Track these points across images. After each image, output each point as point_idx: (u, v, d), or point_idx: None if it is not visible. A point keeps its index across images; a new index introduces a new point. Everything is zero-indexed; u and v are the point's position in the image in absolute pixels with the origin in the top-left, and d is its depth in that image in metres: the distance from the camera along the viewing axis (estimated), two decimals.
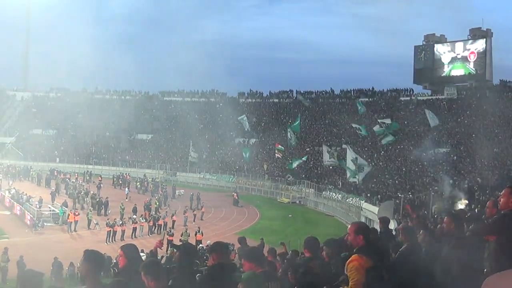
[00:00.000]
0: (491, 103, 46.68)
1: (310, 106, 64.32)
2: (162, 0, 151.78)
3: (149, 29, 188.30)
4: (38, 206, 33.83)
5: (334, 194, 42.37)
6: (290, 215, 39.43)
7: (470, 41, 57.78)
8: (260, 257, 5.34)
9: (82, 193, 40.05)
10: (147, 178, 50.38)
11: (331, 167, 46.75)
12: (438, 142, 44.50)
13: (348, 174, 39.95)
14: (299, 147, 54.99)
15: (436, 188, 32.41)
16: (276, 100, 68.49)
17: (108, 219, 31.18)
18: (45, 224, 32.15)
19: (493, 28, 57.60)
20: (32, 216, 32.17)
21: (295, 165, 47.29)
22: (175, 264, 6.02)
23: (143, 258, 8.06)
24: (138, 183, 47.87)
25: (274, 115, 65.49)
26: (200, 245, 25.15)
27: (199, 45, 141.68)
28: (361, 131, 48.20)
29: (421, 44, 61.73)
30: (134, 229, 31.11)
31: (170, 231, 29.22)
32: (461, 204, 21.27)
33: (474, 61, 56.96)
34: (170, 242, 19.92)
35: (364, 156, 43.53)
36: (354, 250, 4.53)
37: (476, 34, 57.42)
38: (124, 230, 30.28)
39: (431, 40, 60.89)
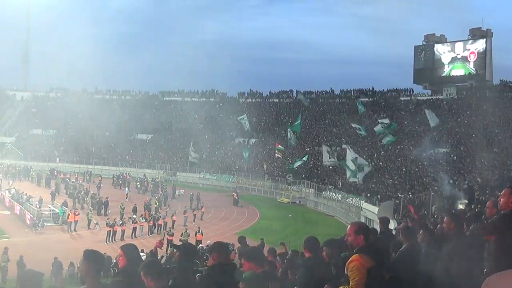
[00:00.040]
0: (491, 103, 46.65)
1: (310, 106, 64.32)
2: (162, 0, 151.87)
3: (149, 29, 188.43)
4: (38, 206, 33.85)
5: (334, 194, 42.34)
6: (290, 215, 39.41)
7: (470, 41, 57.73)
8: (260, 257, 5.35)
9: (82, 193, 40.08)
10: (147, 178, 50.38)
11: (331, 167, 46.75)
12: (438, 142, 44.39)
13: (348, 174, 39.98)
14: (299, 147, 54.97)
15: (436, 188, 32.37)
16: (276, 100, 68.40)
17: (108, 219, 31.20)
18: (45, 224, 32.18)
19: (493, 28, 57.66)
20: (32, 216, 32.18)
21: (296, 165, 47.33)
22: (175, 264, 6.01)
23: (143, 258, 8.06)
24: (138, 183, 47.88)
25: (274, 115, 65.42)
26: (200, 245, 25.15)
27: (199, 45, 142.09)
28: (361, 131, 48.23)
29: (421, 44, 61.64)
30: (134, 229, 31.13)
31: (170, 231, 29.19)
32: (461, 204, 21.29)
33: (474, 61, 56.92)
34: (170, 242, 19.88)
35: (364, 156, 43.51)
36: (355, 250, 4.52)
37: (476, 34, 57.37)
38: (124, 230, 30.30)
39: (431, 40, 60.83)
